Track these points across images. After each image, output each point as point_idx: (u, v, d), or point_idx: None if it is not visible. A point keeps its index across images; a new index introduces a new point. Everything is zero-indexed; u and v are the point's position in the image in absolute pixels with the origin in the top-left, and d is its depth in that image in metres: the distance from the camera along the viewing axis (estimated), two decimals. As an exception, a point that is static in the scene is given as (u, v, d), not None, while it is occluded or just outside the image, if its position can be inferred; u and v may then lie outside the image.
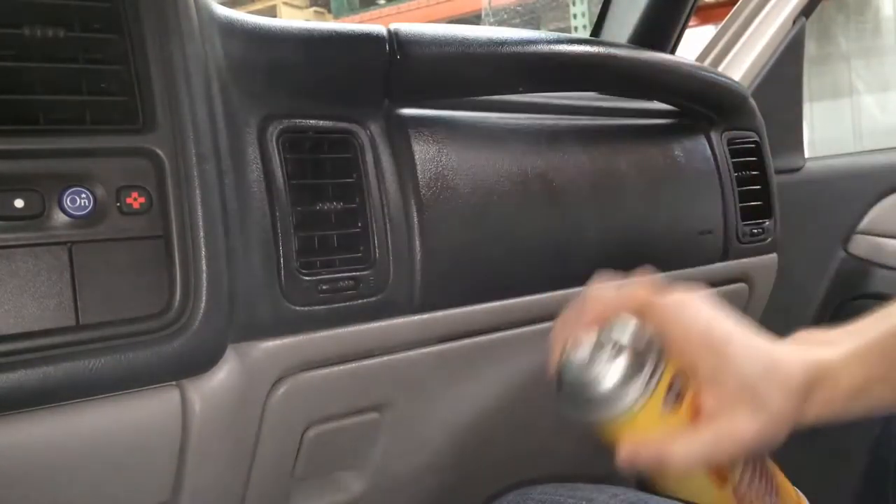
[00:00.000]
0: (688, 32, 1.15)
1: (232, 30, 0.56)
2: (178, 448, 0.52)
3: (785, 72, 1.15)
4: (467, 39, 0.65)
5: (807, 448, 0.47)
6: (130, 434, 0.49)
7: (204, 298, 0.48)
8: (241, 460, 0.58)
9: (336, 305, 0.58)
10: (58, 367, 0.44)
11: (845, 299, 1.13)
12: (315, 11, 4.07)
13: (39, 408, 0.45)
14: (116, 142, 0.47)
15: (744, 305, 0.93)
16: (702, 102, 0.88)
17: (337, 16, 4.03)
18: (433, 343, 0.66)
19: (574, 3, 3.13)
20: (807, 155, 1.20)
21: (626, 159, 0.79)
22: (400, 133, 0.64)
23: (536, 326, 0.72)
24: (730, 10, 1.17)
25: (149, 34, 0.48)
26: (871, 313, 0.43)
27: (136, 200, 0.47)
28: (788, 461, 0.51)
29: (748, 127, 0.95)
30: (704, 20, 2.00)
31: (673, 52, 1.15)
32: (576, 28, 3.07)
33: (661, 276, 0.45)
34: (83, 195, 0.45)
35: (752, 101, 0.97)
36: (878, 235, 1.12)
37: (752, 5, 1.15)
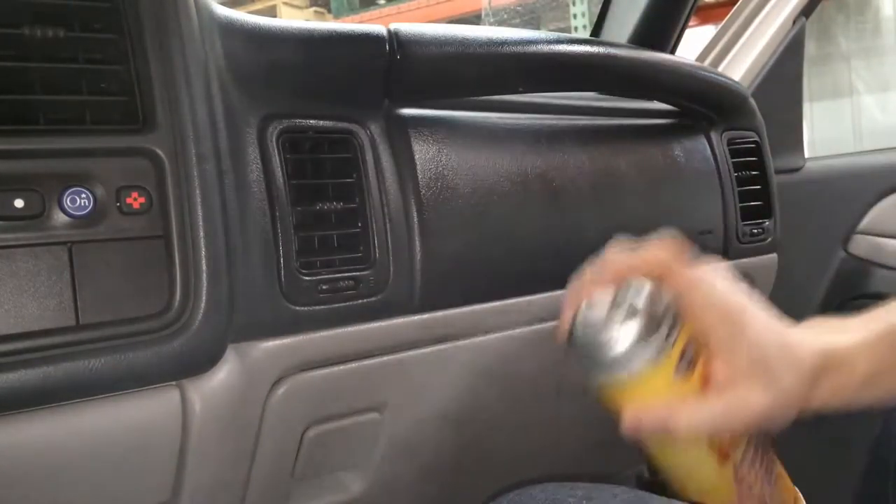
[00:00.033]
0: (688, 32, 1.15)
1: (232, 30, 0.56)
2: (178, 448, 0.52)
3: (785, 72, 1.15)
4: (467, 39, 0.65)
5: (807, 447, 0.46)
6: (130, 434, 0.49)
7: (204, 298, 0.48)
8: (241, 460, 0.58)
9: (336, 305, 0.58)
10: (58, 367, 0.44)
11: (845, 299, 1.13)
12: (315, 11, 4.07)
13: (39, 408, 0.45)
14: (116, 142, 0.47)
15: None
16: (702, 102, 0.89)
17: (337, 16, 4.03)
18: (433, 343, 0.66)
19: (574, 3, 3.13)
20: (807, 155, 1.20)
21: (626, 159, 0.79)
22: (400, 133, 0.64)
23: (536, 326, 0.72)
24: (730, 10, 1.17)
25: (149, 34, 0.48)
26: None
27: (136, 200, 0.47)
28: (789, 460, 0.51)
29: (748, 127, 0.95)
30: (704, 20, 2.00)
31: (673, 52, 1.15)
32: (576, 28, 3.07)
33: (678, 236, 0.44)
34: (83, 195, 0.45)
35: (752, 101, 0.97)
36: (878, 235, 1.12)
37: (752, 5, 1.15)
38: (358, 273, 0.59)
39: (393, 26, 0.62)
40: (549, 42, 0.71)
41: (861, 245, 1.13)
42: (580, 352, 0.43)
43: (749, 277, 0.92)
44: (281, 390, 0.58)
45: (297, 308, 0.56)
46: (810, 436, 0.47)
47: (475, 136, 0.69)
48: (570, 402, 0.83)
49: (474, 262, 0.67)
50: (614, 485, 0.47)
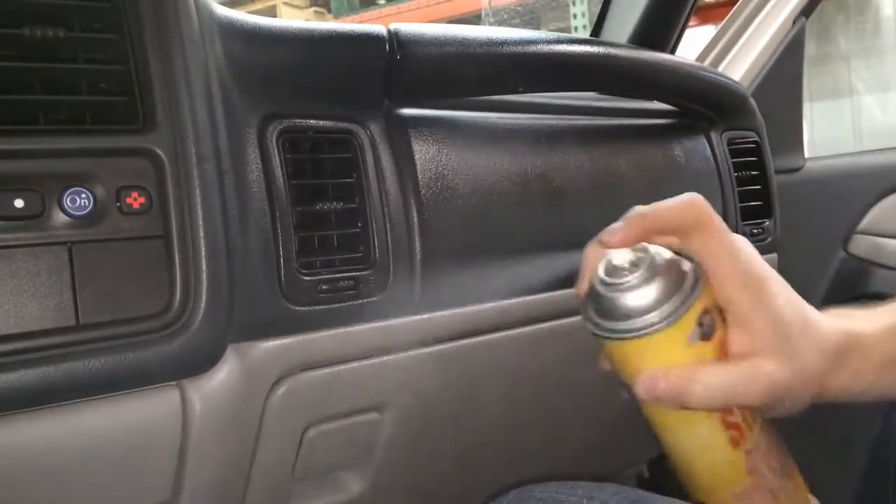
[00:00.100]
0: (688, 32, 1.15)
1: (232, 30, 0.56)
2: (178, 448, 0.52)
3: (785, 72, 1.15)
4: (467, 39, 0.65)
5: (807, 447, 0.46)
6: (130, 434, 0.49)
7: (204, 298, 0.48)
8: (241, 460, 0.58)
9: (336, 305, 0.58)
10: (58, 367, 0.44)
11: (845, 299, 1.12)
12: (315, 11, 4.08)
13: (39, 408, 0.45)
14: (116, 142, 0.47)
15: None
16: (702, 102, 0.89)
17: (337, 16, 4.04)
18: (433, 343, 0.66)
19: (574, 3, 3.13)
20: (807, 155, 1.20)
21: (626, 159, 0.79)
22: (400, 133, 0.64)
23: (536, 326, 0.72)
24: (730, 10, 1.17)
25: (149, 34, 0.48)
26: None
27: (136, 200, 0.47)
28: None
29: (748, 127, 0.95)
30: (704, 20, 2.00)
31: (673, 52, 1.15)
32: (576, 28, 3.07)
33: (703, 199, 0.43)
34: (83, 195, 0.45)
35: (752, 101, 0.97)
36: (878, 235, 1.12)
37: (752, 5, 1.15)
38: (358, 273, 0.59)
39: (393, 26, 0.62)
40: (549, 42, 0.71)
41: (861, 245, 1.13)
42: (596, 309, 0.41)
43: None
44: (281, 390, 0.58)
45: (297, 308, 0.56)
46: (810, 435, 0.47)
47: (475, 136, 0.69)
48: (571, 402, 0.83)
49: (474, 262, 0.67)
50: (614, 485, 0.47)
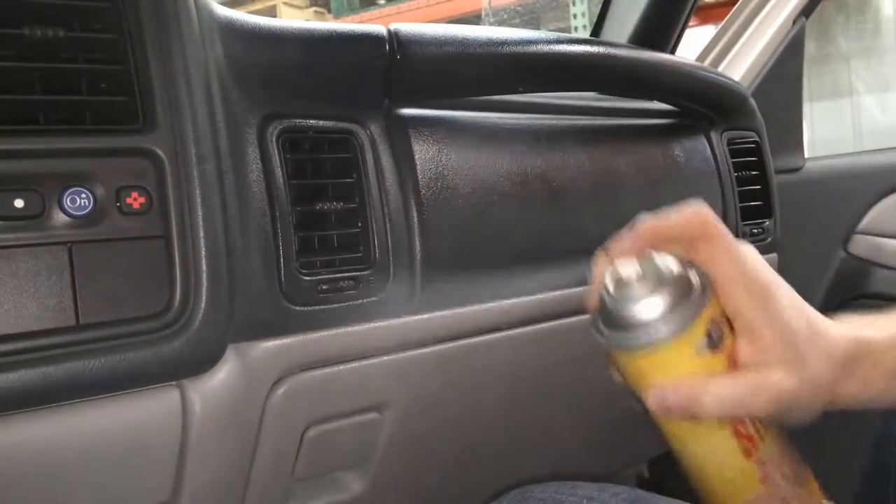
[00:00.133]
0: (688, 32, 1.15)
1: (232, 30, 0.56)
2: (178, 448, 0.52)
3: (785, 72, 1.15)
4: (467, 39, 0.65)
5: (806, 449, 0.46)
6: (130, 434, 0.49)
7: (204, 298, 0.48)
8: (241, 460, 0.58)
9: (336, 305, 0.58)
10: (58, 367, 0.44)
11: (845, 299, 1.13)
12: (315, 11, 4.08)
13: (39, 408, 0.45)
14: (116, 142, 0.47)
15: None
16: (702, 102, 0.89)
17: (337, 16, 4.04)
18: (433, 343, 0.66)
19: (574, 3, 3.13)
20: (807, 155, 1.20)
21: (626, 159, 0.79)
22: (400, 133, 0.64)
23: (536, 326, 0.72)
24: (730, 10, 1.17)
25: (149, 34, 0.48)
26: (871, 314, 0.43)
27: (136, 200, 0.47)
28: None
29: (748, 127, 0.95)
30: (704, 20, 2.00)
31: (673, 52, 1.15)
32: (576, 28, 3.07)
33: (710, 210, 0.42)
34: (83, 195, 0.45)
35: (752, 101, 0.97)
36: (878, 235, 1.12)
37: (752, 5, 1.15)
38: (358, 273, 0.59)
39: (393, 26, 0.62)
40: (549, 42, 0.71)
41: (861, 245, 1.13)
42: (604, 320, 0.42)
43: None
44: (281, 390, 0.58)
45: (298, 308, 0.56)
46: (811, 438, 0.47)
47: (475, 136, 0.69)
48: (571, 402, 0.83)
49: (474, 263, 0.67)
50: (614, 485, 0.47)
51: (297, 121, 0.58)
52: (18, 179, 0.44)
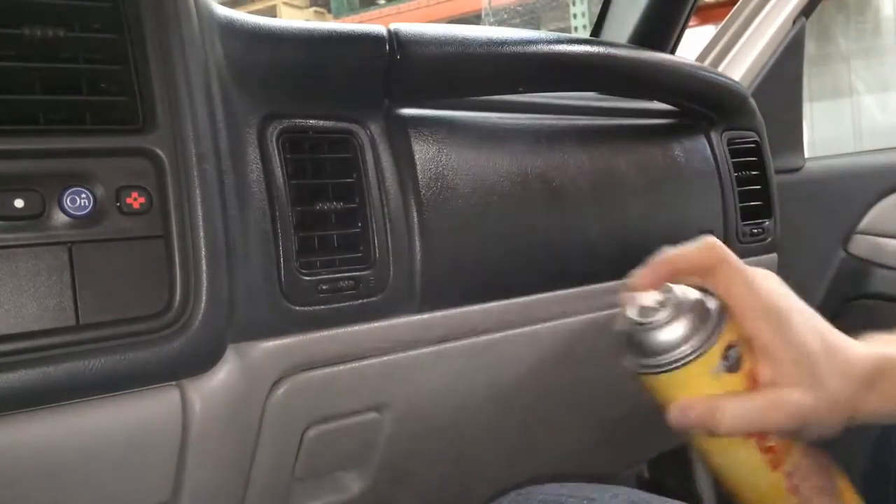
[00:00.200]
0: (688, 32, 1.15)
1: (232, 30, 0.56)
2: (178, 448, 0.52)
3: (785, 72, 1.15)
4: (467, 39, 0.65)
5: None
6: (130, 434, 0.49)
7: (204, 298, 0.48)
8: (241, 460, 0.58)
9: (336, 305, 0.58)
10: (58, 367, 0.44)
11: (845, 299, 1.13)
12: (315, 11, 4.08)
13: (39, 408, 0.45)
14: (116, 142, 0.47)
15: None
16: (702, 102, 0.88)
17: (337, 16, 4.04)
18: (433, 343, 0.66)
19: (574, 3, 3.13)
20: (807, 155, 1.20)
21: (626, 159, 0.79)
22: (400, 133, 0.64)
23: (536, 326, 0.72)
24: (730, 10, 1.17)
25: (149, 34, 0.48)
26: (871, 313, 0.44)
27: (136, 200, 0.47)
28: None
29: (748, 127, 0.95)
30: (704, 20, 2.00)
31: (673, 52, 1.15)
32: (576, 28, 3.07)
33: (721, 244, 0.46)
34: (83, 195, 0.45)
35: (752, 101, 0.97)
36: (878, 235, 1.12)
37: (752, 5, 1.15)
38: (358, 273, 0.59)
39: (393, 26, 0.62)
40: (549, 42, 0.71)
41: (861, 245, 1.13)
42: (630, 348, 0.45)
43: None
44: (281, 390, 0.58)
45: (298, 308, 0.56)
46: (810, 441, 0.47)
47: (475, 136, 0.69)
48: (571, 402, 0.83)
49: (474, 262, 0.67)
50: (614, 485, 0.47)
51: (297, 121, 0.58)
52: (18, 179, 0.44)
